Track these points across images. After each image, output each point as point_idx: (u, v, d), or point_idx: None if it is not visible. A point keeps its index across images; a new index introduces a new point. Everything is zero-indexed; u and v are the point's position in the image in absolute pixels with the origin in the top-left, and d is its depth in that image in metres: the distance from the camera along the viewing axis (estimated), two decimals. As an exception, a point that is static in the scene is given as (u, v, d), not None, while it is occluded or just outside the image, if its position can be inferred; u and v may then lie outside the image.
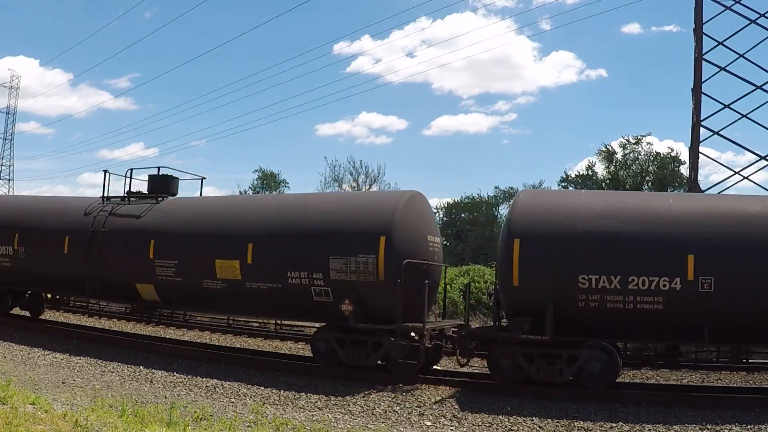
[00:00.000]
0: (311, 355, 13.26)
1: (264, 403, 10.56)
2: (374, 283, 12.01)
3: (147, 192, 16.32)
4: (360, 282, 12.11)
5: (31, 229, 16.72)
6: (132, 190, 16.49)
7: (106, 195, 16.35)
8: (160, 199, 15.68)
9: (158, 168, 16.43)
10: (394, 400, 10.93)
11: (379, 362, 12.59)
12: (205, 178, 17.25)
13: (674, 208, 11.31)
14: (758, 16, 21.95)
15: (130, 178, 16.53)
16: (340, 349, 12.47)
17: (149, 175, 16.46)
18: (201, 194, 17.85)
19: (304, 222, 13.02)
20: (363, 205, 13.04)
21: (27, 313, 19.18)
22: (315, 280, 12.50)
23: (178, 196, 16.46)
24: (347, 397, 11.01)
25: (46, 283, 17.48)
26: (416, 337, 12.16)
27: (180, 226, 14.43)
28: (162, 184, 16.22)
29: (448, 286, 17.13)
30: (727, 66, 22.13)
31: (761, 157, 22.19)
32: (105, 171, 16.71)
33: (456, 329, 12.80)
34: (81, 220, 15.85)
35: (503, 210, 57.97)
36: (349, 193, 13.78)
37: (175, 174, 16.81)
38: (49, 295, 19.21)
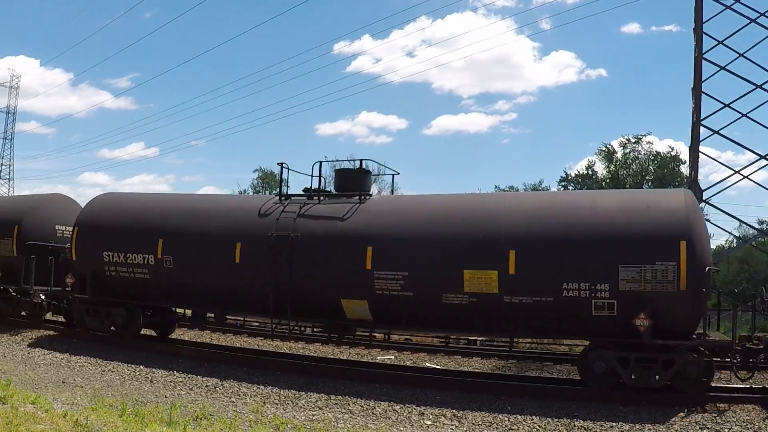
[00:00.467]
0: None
1: (264, 403, 10.57)
2: (673, 294, 10.40)
3: (336, 189, 13.97)
4: (656, 293, 10.48)
5: (184, 234, 13.93)
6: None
7: (285, 193, 13.89)
8: (364, 197, 13.21)
9: (360, 161, 13.80)
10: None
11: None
12: (398, 173, 14.56)
13: None
14: (758, 15, 21.91)
15: (319, 174, 13.81)
16: (622, 370, 10.75)
17: (336, 170, 14.32)
18: (392, 192, 15.43)
19: (584, 224, 11.10)
20: (647, 205, 11.15)
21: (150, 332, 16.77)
22: (598, 291, 10.68)
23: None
24: (347, 396, 11.03)
25: (204, 300, 14.40)
26: (706, 352, 10.86)
27: (410, 229, 12.04)
28: (359, 181, 13.62)
29: None
30: (727, 65, 22.09)
31: (761, 157, 22.16)
32: (281, 164, 14.01)
33: (738, 341, 11.43)
34: (257, 223, 13.29)
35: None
36: (623, 192, 11.57)
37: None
38: (187, 312, 16.19)
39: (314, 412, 10.06)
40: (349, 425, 9.32)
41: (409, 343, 18.15)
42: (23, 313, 17.34)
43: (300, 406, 10.48)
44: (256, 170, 63.28)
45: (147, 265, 14.19)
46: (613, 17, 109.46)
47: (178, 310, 16.92)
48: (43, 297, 16.59)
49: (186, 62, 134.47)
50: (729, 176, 22.97)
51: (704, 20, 22.13)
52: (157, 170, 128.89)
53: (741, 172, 22.50)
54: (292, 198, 13.75)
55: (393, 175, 14.50)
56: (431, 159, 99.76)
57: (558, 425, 9.58)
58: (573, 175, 56.05)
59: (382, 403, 10.68)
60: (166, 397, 10.57)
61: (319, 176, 13.76)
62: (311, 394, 11.21)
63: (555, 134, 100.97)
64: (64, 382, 11.32)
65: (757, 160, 22.29)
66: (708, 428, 9.27)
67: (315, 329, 17.66)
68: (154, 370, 12.75)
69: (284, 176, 13.93)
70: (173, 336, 17.10)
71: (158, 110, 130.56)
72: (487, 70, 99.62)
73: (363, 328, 13.34)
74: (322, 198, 13.59)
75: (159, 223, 14.33)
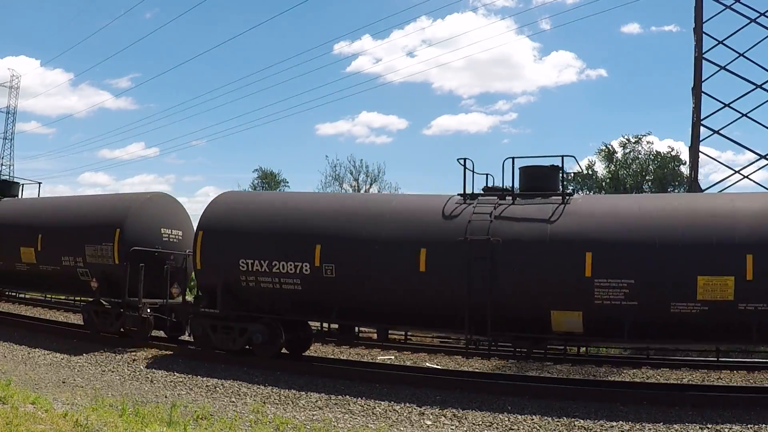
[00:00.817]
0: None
1: (264, 403, 10.56)
2: None
3: (523, 188, 12.55)
4: None
5: (350, 239, 12.29)
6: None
7: (469, 192, 12.47)
8: (567, 197, 11.89)
9: (562, 157, 12.27)
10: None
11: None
12: (580, 171, 13.03)
13: None
14: (758, 15, 21.97)
15: (512, 173, 12.46)
16: None
17: (521, 168, 12.75)
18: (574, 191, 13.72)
19: None
20: None
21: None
22: None
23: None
24: (347, 396, 11.01)
25: (375, 314, 12.74)
26: None
27: (635, 232, 10.94)
28: (551, 179, 12.43)
29: None
30: (727, 65, 22.17)
31: (761, 156, 22.21)
32: (462, 160, 12.53)
33: None
34: (443, 226, 11.88)
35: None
36: None
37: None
38: (328, 326, 14.10)
39: (314, 412, 10.06)
40: (349, 425, 9.32)
41: (409, 343, 18.13)
42: (122, 329, 15.24)
43: (300, 406, 10.47)
44: (256, 170, 63.41)
45: (300, 275, 12.50)
46: (613, 17, 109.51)
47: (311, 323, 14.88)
48: (149, 311, 14.78)
49: (186, 62, 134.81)
50: (729, 176, 23.06)
51: (704, 20, 22.20)
52: (158, 170, 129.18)
53: (741, 172, 22.54)
54: (479, 198, 12.37)
55: (568, 174, 13.39)
56: (431, 159, 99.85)
57: (558, 425, 9.58)
58: (573, 175, 56.11)
59: (382, 403, 10.68)
60: (166, 397, 10.57)
61: (512, 174, 12.52)
62: (311, 394, 11.20)
63: (555, 134, 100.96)
64: (64, 382, 11.32)
65: (757, 160, 22.34)
66: (708, 428, 9.27)
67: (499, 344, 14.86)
68: (154, 370, 12.74)
69: (467, 175, 12.51)
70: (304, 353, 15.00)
71: (158, 110, 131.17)
72: (487, 70, 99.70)
73: (566, 342, 12.03)
74: (515, 198, 12.23)
75: (316, 226, 12.65)
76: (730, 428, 9.24)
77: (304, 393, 11.24)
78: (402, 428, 9.42)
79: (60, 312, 22.26)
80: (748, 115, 22.08)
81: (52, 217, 16.70)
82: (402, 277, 11.87)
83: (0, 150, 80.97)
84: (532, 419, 9.82)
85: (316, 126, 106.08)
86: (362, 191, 47.30)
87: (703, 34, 22.17)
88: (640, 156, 53.13)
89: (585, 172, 12.53)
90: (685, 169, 45.22)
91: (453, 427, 9.57)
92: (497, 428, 9.51)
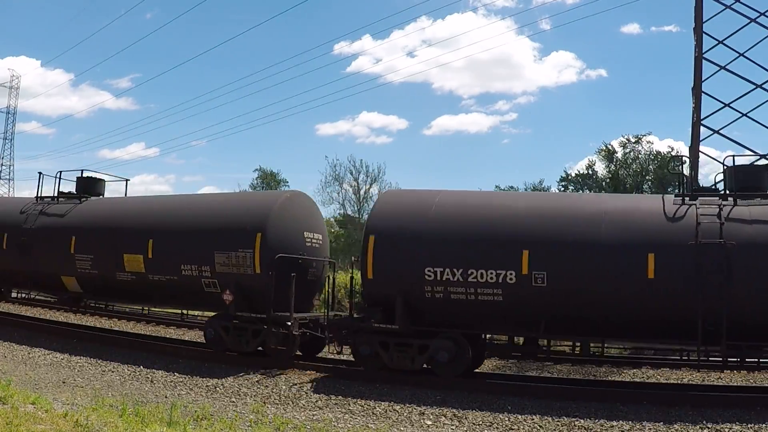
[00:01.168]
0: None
1: (265, 403, 10.57)
2: None
3: (730, 187, 11.91)
4: None
5: (563, 243, 11.15)
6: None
7: (686, 191, 11.76)
8: None
9: None
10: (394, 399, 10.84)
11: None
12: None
13: None
14: (758, 14, 21.94)
15: (723, 171, 12.03)
16: None
17: (737, 167, 12.28)
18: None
19: None
20: None
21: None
22: None
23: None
24: (347, 397, 11.00)
25: (587, 327, 11.48)
26: None
27: None
28: (763, 179, 11.92)
29: None
30: (727, 65, 22.14)
31: (761, 156, 22.13)
32: (679, 159, 11.87)
33: None
34: (668, 228, 10.96)
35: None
36: None
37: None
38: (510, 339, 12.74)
39: (314, 412, 10.06)
40: (349, 425, 9.32)
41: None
42: (260, 347, 13.35)
43: (300, 406, 10.48)
44: (256, 170, 63.55)
45: (502, 284, 11.24)
46: (613, 17, 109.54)
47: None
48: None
49: (186, 62, 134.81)
50: (729, 176, 22.97)
51: (704, 20, 22.17)
52: (158, 170, 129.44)
53: (741, 171, 22.48)
54: (699, 198, 11.57)
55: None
56: (431, 159, 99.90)
57: (558, 425, 9.58)
58: (573, 175, 56.22)
59: (382, 403, 10.68)
60: (166, 397, 10.58)
61: (724, 173, 11.99)
62: (311, 393, 11.21)
63: (555, 134, 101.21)
64: (64, 383, 11.33)
65: (757, 160, 22.26)
66: (708, 428, 9.28)
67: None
68: (154, 370, 12.75)
69: (685, 175, 11.79)
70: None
71: (159, 110, 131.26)
72: (488, 70, 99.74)
73: None
74: (736, 199, 11.43)
75: (521, 229, 11.44)
76: (730, 428, 9.25)
77: (304, 393, 11.24)
78: (402, 428, 9.43)
79: (60, 312, 22.26)
80: (748, 115, 22.06)
81: (166, 220, 14.55)
82: (627, 285, 10.82)
83: (0, 150, 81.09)
84: (532, 419, 9.82)
85: (316, 126, 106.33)
86: (362, 191, 47.32)
87: (703, 34, 22.14)
88: (640, 156, 53.24)
89: None
90: (685, 169, 45.25)
91: (453, 427, 9.57)
92: (497, 428, 9.51)
